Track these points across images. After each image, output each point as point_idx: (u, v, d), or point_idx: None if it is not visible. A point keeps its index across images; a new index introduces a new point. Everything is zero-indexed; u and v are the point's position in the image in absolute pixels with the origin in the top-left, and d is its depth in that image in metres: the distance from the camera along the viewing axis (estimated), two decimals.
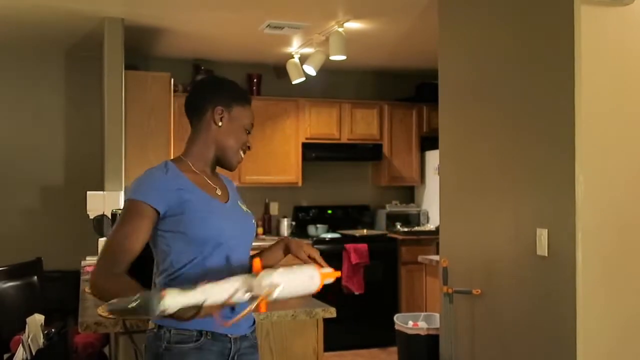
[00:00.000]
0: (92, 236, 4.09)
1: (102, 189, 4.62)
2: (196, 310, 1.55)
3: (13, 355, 2.93)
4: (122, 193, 4.59)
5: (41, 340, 2.63)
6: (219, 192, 1.93)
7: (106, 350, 3.43)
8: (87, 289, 1.73)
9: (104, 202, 4.19)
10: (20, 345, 2.73)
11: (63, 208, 5.57)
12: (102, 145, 4.98)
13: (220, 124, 1.91)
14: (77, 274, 3.74)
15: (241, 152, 1.97)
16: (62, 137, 5.78)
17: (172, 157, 2.16)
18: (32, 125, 5.71)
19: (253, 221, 2.02)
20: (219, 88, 1.97)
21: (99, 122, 5.54)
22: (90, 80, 5.68)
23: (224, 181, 2.05)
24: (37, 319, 2.69)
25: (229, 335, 1.80)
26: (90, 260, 3.94)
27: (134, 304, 1.46)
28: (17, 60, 5.65)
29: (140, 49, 5.55)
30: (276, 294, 1.61)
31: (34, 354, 2.62)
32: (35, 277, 3.61)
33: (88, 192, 4.26)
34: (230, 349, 1.81)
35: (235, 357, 1.82)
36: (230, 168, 1.97)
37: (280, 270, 1.65)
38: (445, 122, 3.58)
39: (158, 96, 5.11)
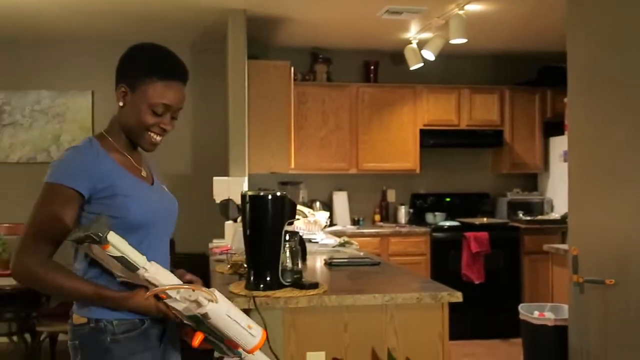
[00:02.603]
0: (219, 220, 4.26)
1: (227, 174, 4.80)
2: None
3: None
4: (246, 179, 4.74)
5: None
6: (144, 174, 1.84)
7: None
8: (15, 270, 1.66)
9: (229, 187, 4.34)
10: None
11: (191, 194, 5.82)
12: (226, 133, 5.16)
13: (121, 103, 1.76)
14: (205, 257, 3.90)
15: (151, 134, 1.77)
16: (189, 127, 6.05)
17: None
18: None
19: (176, 205, 1.96)
20: (131, 61, 1.78)
21: (223, 111, 5.75)
22: (214, 71, 5.89)
23: (148, 161, 1.95)
24: None
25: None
26: (217, 243, 4.11)
27: (83, 233, 1.55)
28: None
29: (261, 39, 5.70)
30: (207, 309, 1.61)
31: None
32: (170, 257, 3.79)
33: (214, 178, 4.42)
34: (165, 329, 1.79)
35: (166, 334, 1.80)
36: (144, 149, 1.82)
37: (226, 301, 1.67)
38: (575, 107, 3.40)
39: (279, 85, 5.23)
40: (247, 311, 2.39)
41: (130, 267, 1.62)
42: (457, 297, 2.44)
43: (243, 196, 2.52)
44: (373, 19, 5.03)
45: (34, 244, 1.63)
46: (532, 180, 6.56)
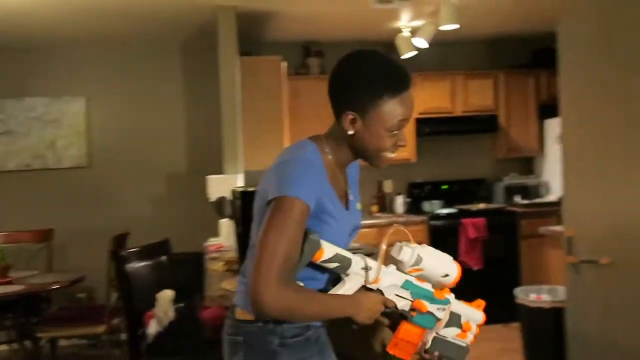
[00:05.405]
0: (213, 218, 4.27)
1: (221, 172, 4.80)
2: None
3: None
4: (241, 176, 4.75)
5: (171, 313, 2.79)
6: (341, 197, 1.70)
7: None
8: (259, 309, 1.47)
9: (223, 185, 4.35)
10: (153, 319, 2.91)
11: (186, 193, 5.85)
12: (220, 131, 5.16)
13: (351, 132, 1.60)
14: (201, 255, 3.92)
15: (388, 155, 1.64)
16: (182, 125, 6.06)
17: (303, 139, 1.72)
18: (154, 116, 6.02)
19: (360, 220, 1.82)
20: (353, 83, 1.59)
21: (217, 109, 5.74)
22: (206, 68, 5.88)
23: (348, 171, 1.78)
24: (168, 294, 2.85)
25: (319, 325, 1.74)
26: (213, 241, 4.12)
27: (302, 248, 1.50)
28: (137, 54, 5.96)
29: (252, 34, 5.69)
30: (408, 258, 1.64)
31: (165, 326, 2.78)
32: (165, 257, 3.82)
33: (208, 176, 4.43)
34: (320, 335, 1.75)
35: (319, 339, 1.75)
36: (375, 167, 1.71)
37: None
38: (567, 86, 3.39)
39: (271, 80, 5.23)
40: None
41: (345, 262, 1.58)
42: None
43: (233, 192, 2.53)
44: (364, 9, 5.01)
45: (285, 270, 1.47)
46: (529, 164, 6.55)
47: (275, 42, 6.04)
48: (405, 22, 5.49)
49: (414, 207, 6.17)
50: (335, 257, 1.56)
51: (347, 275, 1.59)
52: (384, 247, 1.62)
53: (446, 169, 6.43)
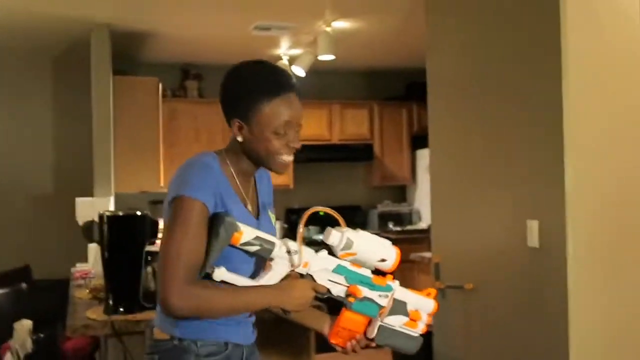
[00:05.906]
0: (82, 243, 4.05)
1: (92, 195, 4.59)
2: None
3: None
4: (112, 198, 4.56)
5: (29, 345, 2.61)
6: (249, 208, 1.71)
7: (98, 355, 3.40)
8: (171, 310, 1.45)
9: (93, 208, 4.15)
10: (9, 351, 2.71)
11: (53, 216, 5.53)
12: (91, 151, 4.95)
13: (240, 138, 1.62)
14: (67, 282, 3.71)
15: (282, 157, 1.64)
16: (50, 144, 5.75)
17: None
18: (19, 133, 5.68)
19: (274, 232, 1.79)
20: (233, 91, 1.64)
21: (88, 128, 5.51)
22: (80, 86, 5.64)
23: (257, 181, 1.80)
24: (25, 324, 2.67)
25: (243, 345, 1.71)
26: (80, 267, 3.91)
27: (218, 231, 1.47)
28: (4, 67, 5.62)
29: (129, 54, 5.54)
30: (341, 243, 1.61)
31: (22, 359, 2.60)
32: (24, 284, 3.58)
33: (77, 199, 4.23)
34: (243, 355, 1.72)
35: (245, 356, 1.72)
36: (276, 173, 1.71)
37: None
38: (435, 118, 3.57)
39: (146, 101, 5.10)
40: (106, 337, 2.29)
41: (267, 245, 1.53)
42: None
43: (100, 217, 2.44)
44: (243, 35, 5.03)
45: (190, 269, 1.47)
46: (401, 192, 6.80)
47: (153, 62, 5.91)
48: (284, 49, 5.56)
49: (291, 233, 6.20)
50: (256, 240, 1.53)
51: (272, 259, 1.57)
52: (301, 229, 1.60)
53: (323, 196, 6.53)
